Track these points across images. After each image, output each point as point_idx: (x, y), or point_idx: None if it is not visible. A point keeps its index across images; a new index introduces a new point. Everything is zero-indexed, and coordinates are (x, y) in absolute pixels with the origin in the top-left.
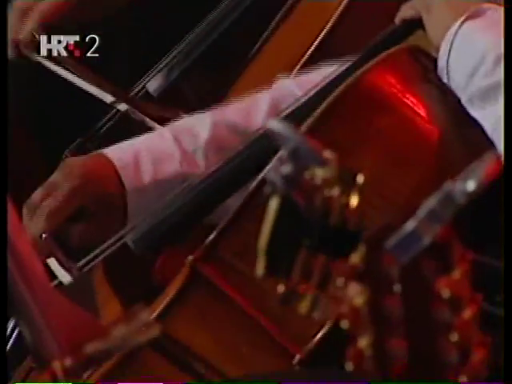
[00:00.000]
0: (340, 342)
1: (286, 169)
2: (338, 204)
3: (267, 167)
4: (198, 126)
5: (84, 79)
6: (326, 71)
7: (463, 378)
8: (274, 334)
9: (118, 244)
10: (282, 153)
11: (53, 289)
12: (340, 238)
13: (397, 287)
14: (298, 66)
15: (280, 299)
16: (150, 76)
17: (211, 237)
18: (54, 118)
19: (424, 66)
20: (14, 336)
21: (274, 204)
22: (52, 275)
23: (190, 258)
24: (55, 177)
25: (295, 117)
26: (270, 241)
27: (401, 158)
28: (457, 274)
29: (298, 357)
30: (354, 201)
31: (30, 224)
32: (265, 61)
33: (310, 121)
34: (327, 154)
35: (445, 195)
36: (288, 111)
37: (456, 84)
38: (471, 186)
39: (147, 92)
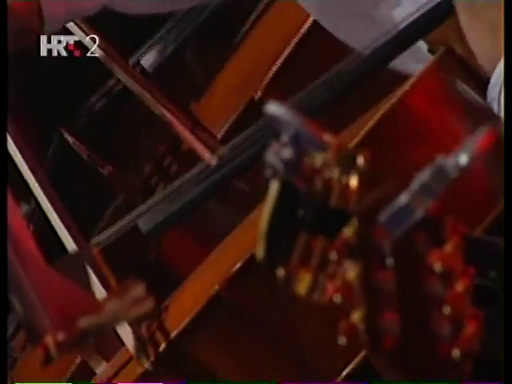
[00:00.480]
0: (364, 378)
1: (287, 153)
2: (338, 185)
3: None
4: None
5: None
6: None
7: (456, 351)
8: (299, 365)
9: (130, 225)
10: (282, 137)
11: (46, 264)
12: (340, 218)
13: (389, 261)
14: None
15: (280, 283)
16: (144, 51)
17: (238, 265)
18: (48, 94)
19: (453, 82)
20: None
21: (274, 188)
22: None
23: (216, 287)
24: None
25: (303, 103)
26: (271, 225)
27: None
28: (449, 247)
29: None
30: (354, 181)
31: None
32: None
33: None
34: (327, 138)
35: (437, 169)
36: (296, 98)
37: None
38: (463, 159)
39: (143, 68)
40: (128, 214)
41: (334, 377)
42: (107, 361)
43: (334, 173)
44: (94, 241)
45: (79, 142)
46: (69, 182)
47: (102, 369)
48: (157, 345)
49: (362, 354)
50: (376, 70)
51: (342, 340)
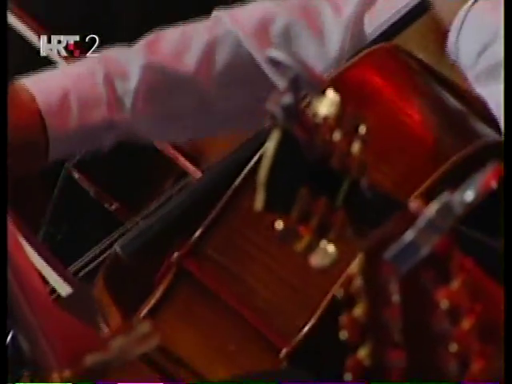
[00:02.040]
0: (326, 334)
1: (286, 99)
2: (340, 148)
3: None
4: (131, 66)
5: None
6: (263, 4)
7: None
8: (260, 328)
9: (109, 250)
10: (282, 83)
11: (52, 302)
12: (341, 181)
13: (396, 298)
14: None
15: (278, 236)
16: None
17: (196, 233)
18: None
19: (405, 62)
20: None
21: (274, 137)
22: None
23: (176, 254)
24: None
25: None
26: (270, 174)
27: (387, 151)
28: (456, 284)
29: (284, 350)
30: (356, 148)
31: None
32: None
33: None
34: (331, 94)
35: (443, 205)
36: None
37: (464, 62)
38: (470, 196)
39: None
40: None
41: (295, 334)
42: None
43: (336, 135)
44: (73, 268)
45: (86, 177)
46: (75, 219)
47: None
48: None
49: (320, 310)
50: None
51: (349, 376)
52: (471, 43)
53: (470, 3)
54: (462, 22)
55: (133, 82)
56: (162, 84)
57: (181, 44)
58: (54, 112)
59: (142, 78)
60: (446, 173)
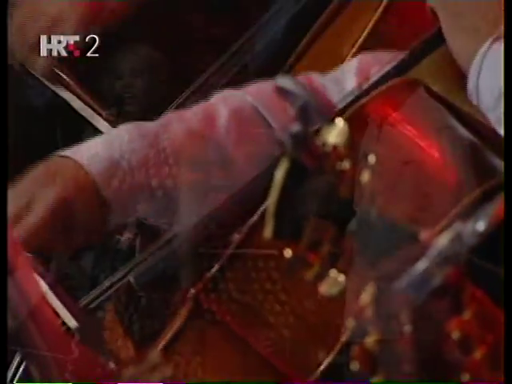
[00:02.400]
0: (343, 372)
1: (295, 128)
2: (349, 177)
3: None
4: (170, 128)
5: (75, 95)
6: (269, 80)
7: None
8: (276, 363)
9: (122, 281)
10: (290, 110)
11: (63, 333)
12: (349, 211)
13: (407, 328)
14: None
15: (286, 265)
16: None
17: (213, 269)
18: (37, 135)
19: (423, 96)
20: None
21: (283, 165)
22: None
23: (192, 290)
24: (31, 200)
25: None
26: (279, 203)
27: (402, 185)
28: (467, 314)
29: None
30: (366, 177)
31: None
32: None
33: None
34: (339, 122)
35: (455, 236)
36: None
37: (485, 106)
38: (481, 226)
39: None
40: None
41: (313, 370)
42: None
43: (345, 165)
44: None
45: None
46: (86, 249)
47: None
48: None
49: (339, 344)
50: None
51: None
52: (491, 86)
53: (487, 45)
54: (481, 65)
55: (176, 142)
56: (199, 149)
57: (206, 114)
58: (107, 175)
59: (183, 142)
60: (464, 209)
